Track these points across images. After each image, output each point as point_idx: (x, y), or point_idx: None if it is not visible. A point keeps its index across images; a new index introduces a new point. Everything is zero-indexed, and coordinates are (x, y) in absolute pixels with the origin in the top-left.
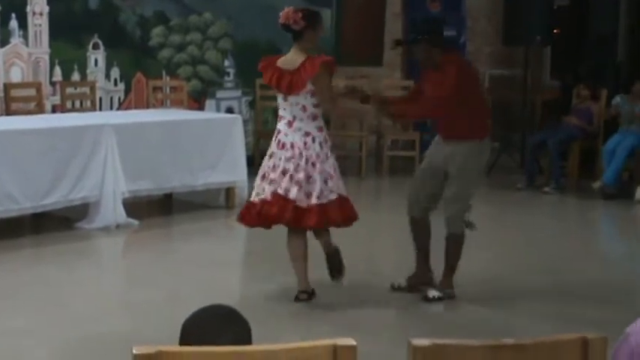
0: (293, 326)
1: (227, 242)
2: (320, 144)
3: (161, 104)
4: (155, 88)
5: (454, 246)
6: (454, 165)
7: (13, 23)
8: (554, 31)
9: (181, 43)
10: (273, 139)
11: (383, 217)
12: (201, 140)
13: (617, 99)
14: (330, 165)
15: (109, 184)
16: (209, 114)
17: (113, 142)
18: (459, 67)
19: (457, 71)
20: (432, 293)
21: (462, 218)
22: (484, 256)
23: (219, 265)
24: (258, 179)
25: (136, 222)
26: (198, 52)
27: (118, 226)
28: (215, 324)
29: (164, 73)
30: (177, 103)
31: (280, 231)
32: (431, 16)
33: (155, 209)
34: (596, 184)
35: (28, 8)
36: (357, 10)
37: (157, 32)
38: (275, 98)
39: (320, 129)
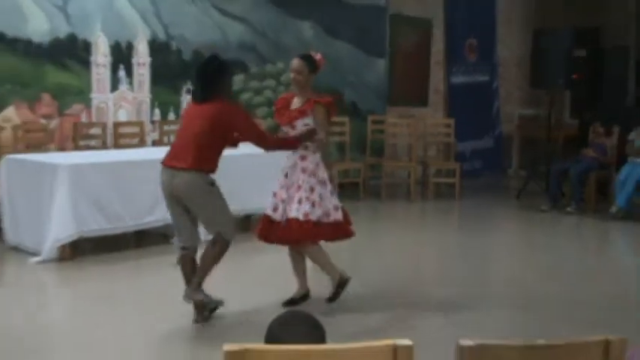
0: (347, 330)
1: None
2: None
3: None
4: None
5: None
6: None
7: (121, 72)
8: (574, 76)
9: (259, 87)
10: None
11: (429, 235)
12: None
13: (633, 134)
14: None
15: None
16: None
17: None
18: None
19: None
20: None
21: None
22: (512, 266)
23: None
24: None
25: None
26: (272, 95)
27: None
28: (303, 329)
29: None
30: None
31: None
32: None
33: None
34: (613, 209)
35: (134, 60)
36: (406, 59)
37: (238, 79)
38: (340, 133)
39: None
